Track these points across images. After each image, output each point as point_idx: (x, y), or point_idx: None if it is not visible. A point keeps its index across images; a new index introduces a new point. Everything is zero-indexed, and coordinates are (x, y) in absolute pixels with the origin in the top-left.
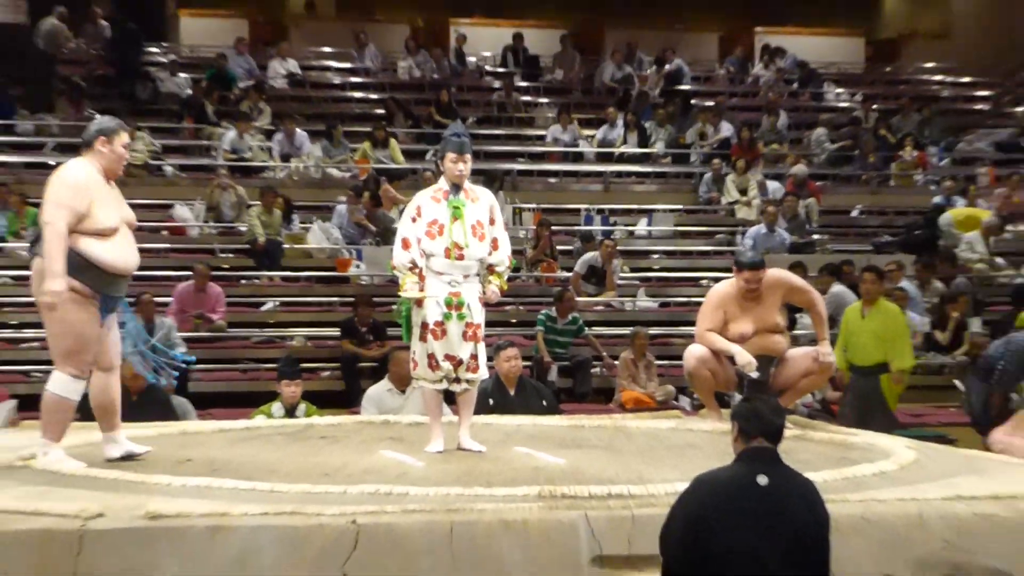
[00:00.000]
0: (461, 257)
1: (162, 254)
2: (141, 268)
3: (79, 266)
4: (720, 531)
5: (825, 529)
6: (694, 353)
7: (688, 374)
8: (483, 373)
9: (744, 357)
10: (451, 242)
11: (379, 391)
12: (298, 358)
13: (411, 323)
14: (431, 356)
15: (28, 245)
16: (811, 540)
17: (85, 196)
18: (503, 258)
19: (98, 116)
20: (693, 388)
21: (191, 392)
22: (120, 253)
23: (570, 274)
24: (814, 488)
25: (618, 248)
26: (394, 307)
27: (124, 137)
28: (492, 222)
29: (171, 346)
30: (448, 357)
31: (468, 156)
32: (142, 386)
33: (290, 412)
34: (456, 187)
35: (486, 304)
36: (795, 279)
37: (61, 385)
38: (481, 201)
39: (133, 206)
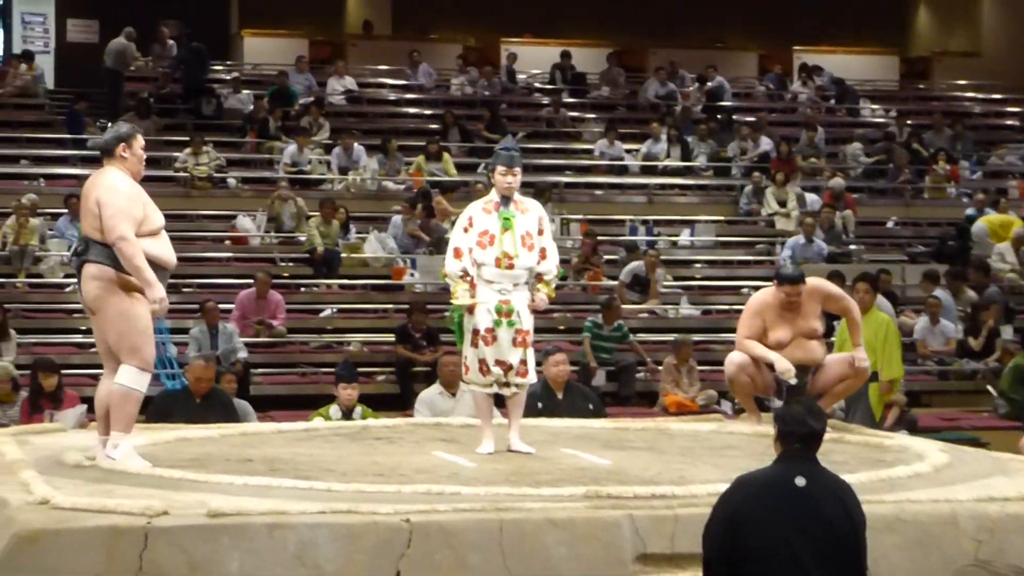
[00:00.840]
0: (511, 266)
1: (225, 263)
2: (205, 276)
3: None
4: (758, 530)
5: (861, 530)
6: (734, 360)
7: (728, 379)
8: (532, 378)
9: (782, 364)
10: (501, 252)
11: (431, 394)
12: (355, 362)
13: (463, 329)
14: (482, 361)
15: (74, 253)
16: (847, 541)
17: (138, 201)
18: (551, 267)
19: (110, 125)
20: (733, 393)
21: (252, 395)
22: (168, 250)
23: (615, 282)
24: (851, 490)
25: (661, 258)
26: (447, 314)
27: (140, 139)
28: (541, 232)
29: (233, 351)
30: (498, 362)
31: (517, 169)
32: (206, 389)
33: (347, 414)
34: (506, 199)
35: (534, 311)
36: (831, 287)
37: (131, 378)
38: (530, 212)
39: (198, 216)
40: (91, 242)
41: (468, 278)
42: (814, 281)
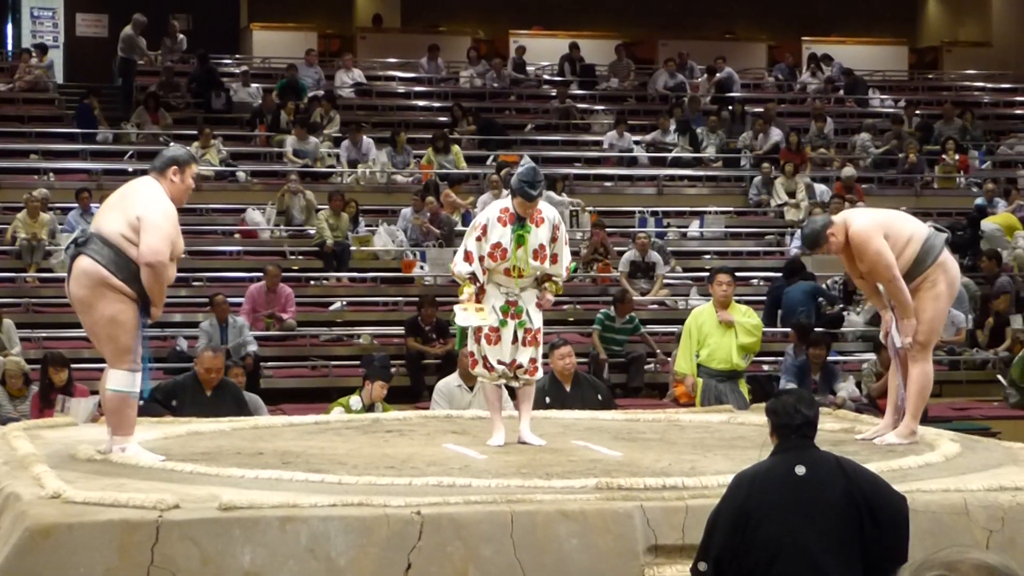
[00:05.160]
0: (521, 276)
1: (235, 256)
2: (215, 269)
3: (122, 265)
4: (764, 523)
5: (873, 500)
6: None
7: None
8: (540, 374)
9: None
10: (512, 266)
11: (449, 386)
12: (372, 356)
13: (466, 331)
14: (485, 359)
15: (74, 241)
16: (851, 521)
17: (176, 225)
18: (560, 271)
19: (172, 144)
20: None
21: (262, 388)
22: (172, 273)
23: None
24: (851, 464)
25: (670, 249)
26: (454, 308)
27: (195, 168)
28: (555, 240)
29: (244, 344)
30: (501, 362)
31: (539, 201)
32: (216, 380)
33: (369, 408)
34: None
35: (540, 308)
36: (859, 234)
37: (124, 381)
38: (546, 223)
39: (208, 210)
40: (96, 238)
41: (477, 284)
42: (855, 230)
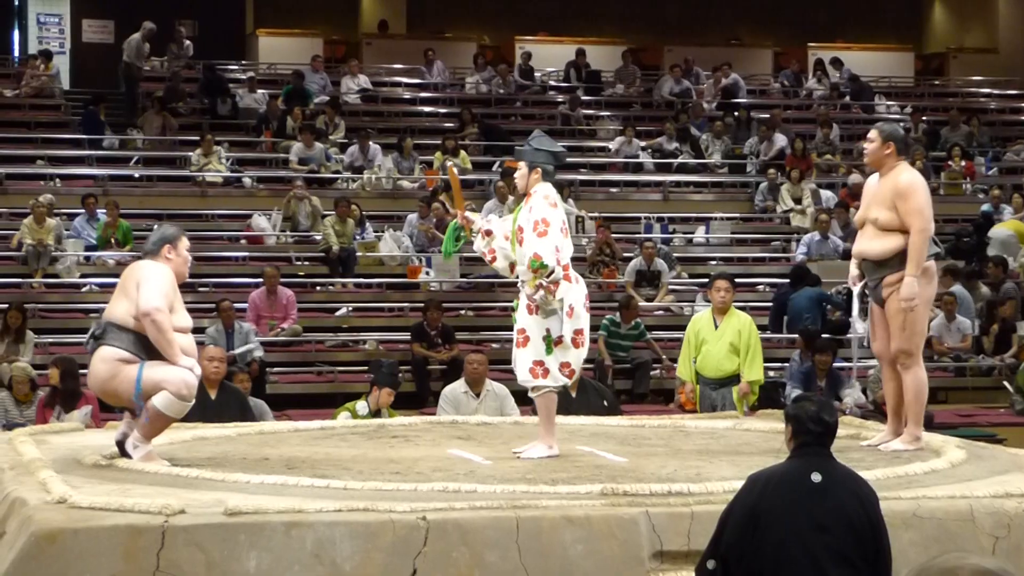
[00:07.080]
0: (513, 264)
1: (241, 262)
2: (221, 275)
3: (143, 347)
4: (775, 525)
5: (878, 525)
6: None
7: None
8: (521, 377)
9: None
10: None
11: (455, 392)
12: (381, 362)
13: (455, 236)
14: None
15: (91, 335)
16: (863, 535)
17: (172, 295)
18: (521, 258)
19: (156, 226)
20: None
21: (268, 394)
22: (192, 348)
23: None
24: (867, 484)
25: (676, 255)
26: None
27: (186, 241)
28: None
29: (250, 350)
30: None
31: (520, 163)
32: (219, 372)
33: (375, 414)
34: (521, 194)
35: (529, 308)
36: (906, 186)
37: (165, 404)
38: (528, 204)
39: (214, 216)
40: (111, 327)
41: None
42: (909, 177)
